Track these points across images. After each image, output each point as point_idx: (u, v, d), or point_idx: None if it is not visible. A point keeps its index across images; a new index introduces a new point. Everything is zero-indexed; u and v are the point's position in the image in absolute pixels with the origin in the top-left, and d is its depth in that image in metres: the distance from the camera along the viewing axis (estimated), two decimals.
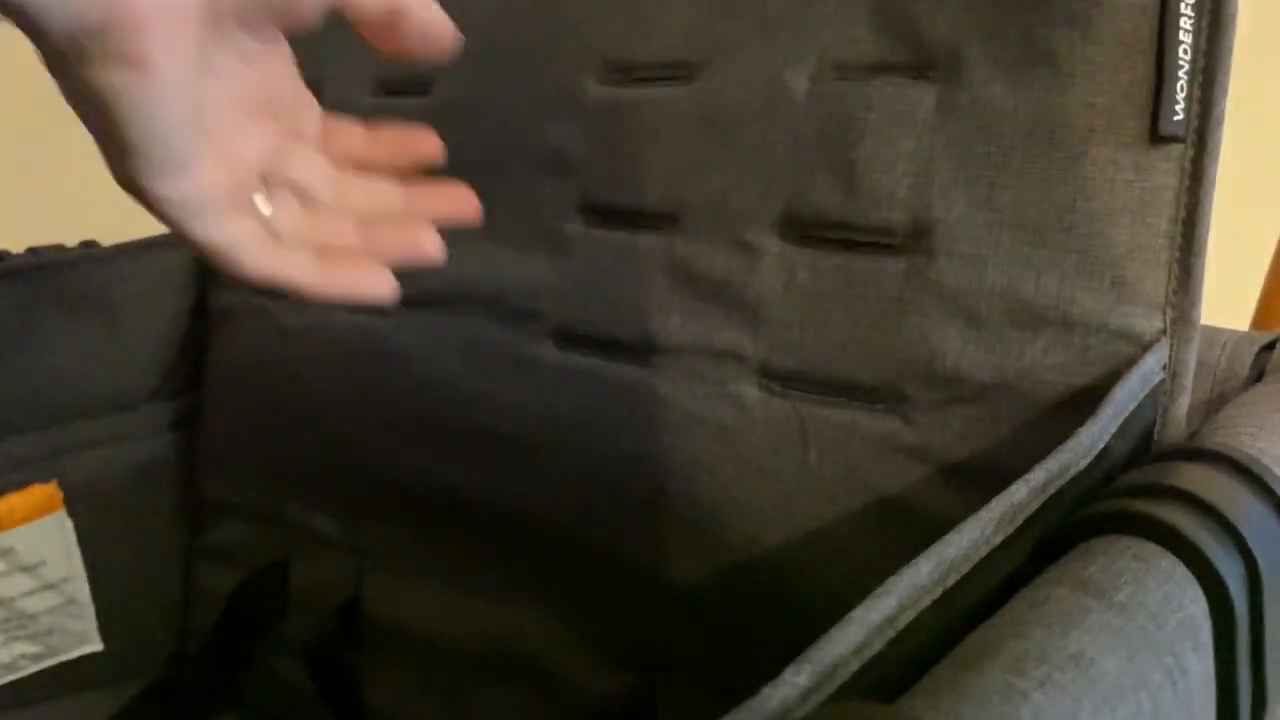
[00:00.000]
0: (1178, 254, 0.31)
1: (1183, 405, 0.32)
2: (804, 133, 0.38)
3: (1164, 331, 0.31)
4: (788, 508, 0.37)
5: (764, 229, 0.39)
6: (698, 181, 0.40)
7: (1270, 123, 0.53)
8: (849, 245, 0.37)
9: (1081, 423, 0.28)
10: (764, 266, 0.39)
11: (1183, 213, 0.31)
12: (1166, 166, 0.31)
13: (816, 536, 0.37)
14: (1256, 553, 0.24)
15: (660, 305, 0.41)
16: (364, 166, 0.33)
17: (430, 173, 0.50)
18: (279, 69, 0.30)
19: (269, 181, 0.30)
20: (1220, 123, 0.30)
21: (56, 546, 0.57)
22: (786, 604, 0.38)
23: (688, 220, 0.41)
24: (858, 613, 0.19)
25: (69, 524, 0.58)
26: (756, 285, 0.39)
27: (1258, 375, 0.35)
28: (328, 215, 0.31)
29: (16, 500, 0.56)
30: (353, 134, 0.33)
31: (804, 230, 0.38)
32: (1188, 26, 0.30)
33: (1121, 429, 0.29)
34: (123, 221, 0.65)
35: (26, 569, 0.56)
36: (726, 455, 0.39)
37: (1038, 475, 0.24)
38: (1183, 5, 0.30)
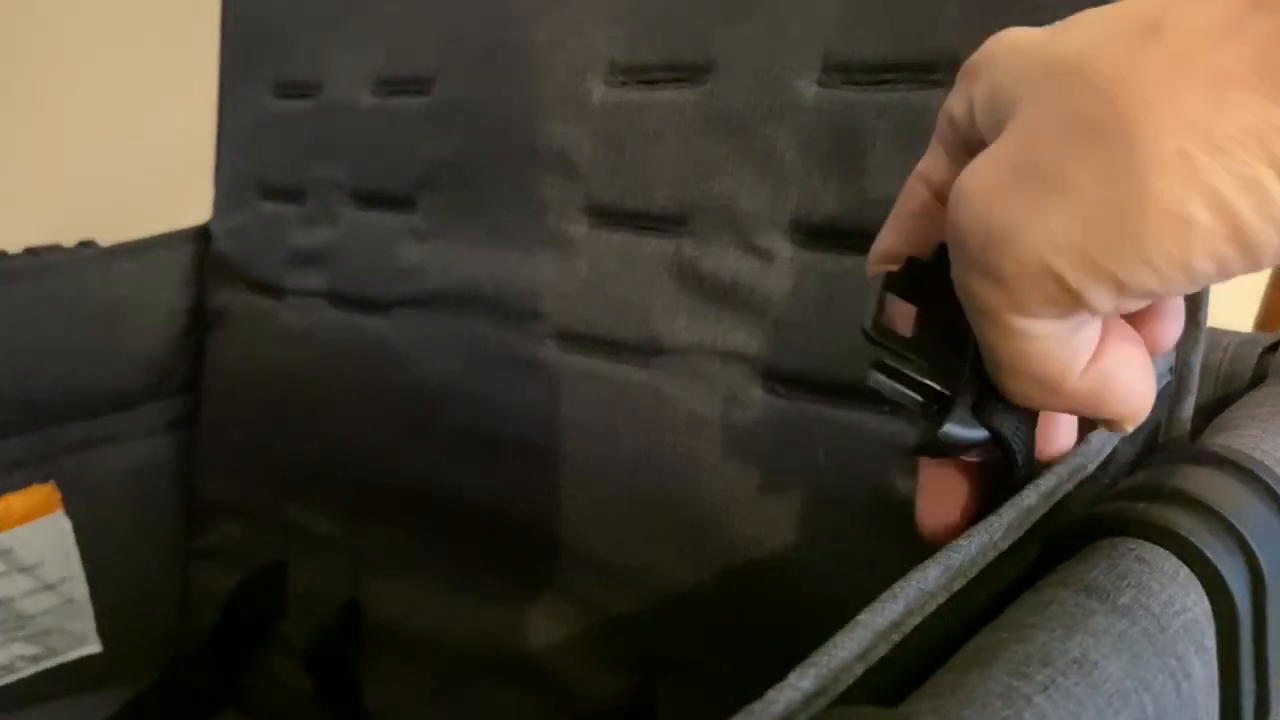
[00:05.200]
0: None
1: (1188, 408, 0.31)
2: (815, 139, 0.38)
3: None
4: (792, 509, 0.37)
5: (775, 233, 0.39)
6: (706, 184, 0.40)
7: None
8: (861, 249, 0.37)
9: (1090, 425, 0.28)
10: (774, 269, 0.39)
11: None
12: None
13: (821, 538, 0.37)
14: (1259, 555, 0.24)
15: (665, 306, 0.41)
16: None
17: (430, 174, 0.50)
18: None
19: None
20: None
21: (55, 547, 0.57)
22: (790, 606, 0.38)
23: (695, 222, 0.41)
24: (864, 617, 0.19)
25: (67, 524, 0.58)
26: (765, 288, 0.39)
27: (1260, 377, 0.35)
28: None
29: (15, 500, 0.56)
30: None
31: (815, 235, 0.38)
32: None
33: (1129, 432, 0.29)
34: (122, 221, 0.65)
35: (25, 569, 0.56)
36: (730, 456, 0.39)
37: (1048, 480, 0.24)
38: None
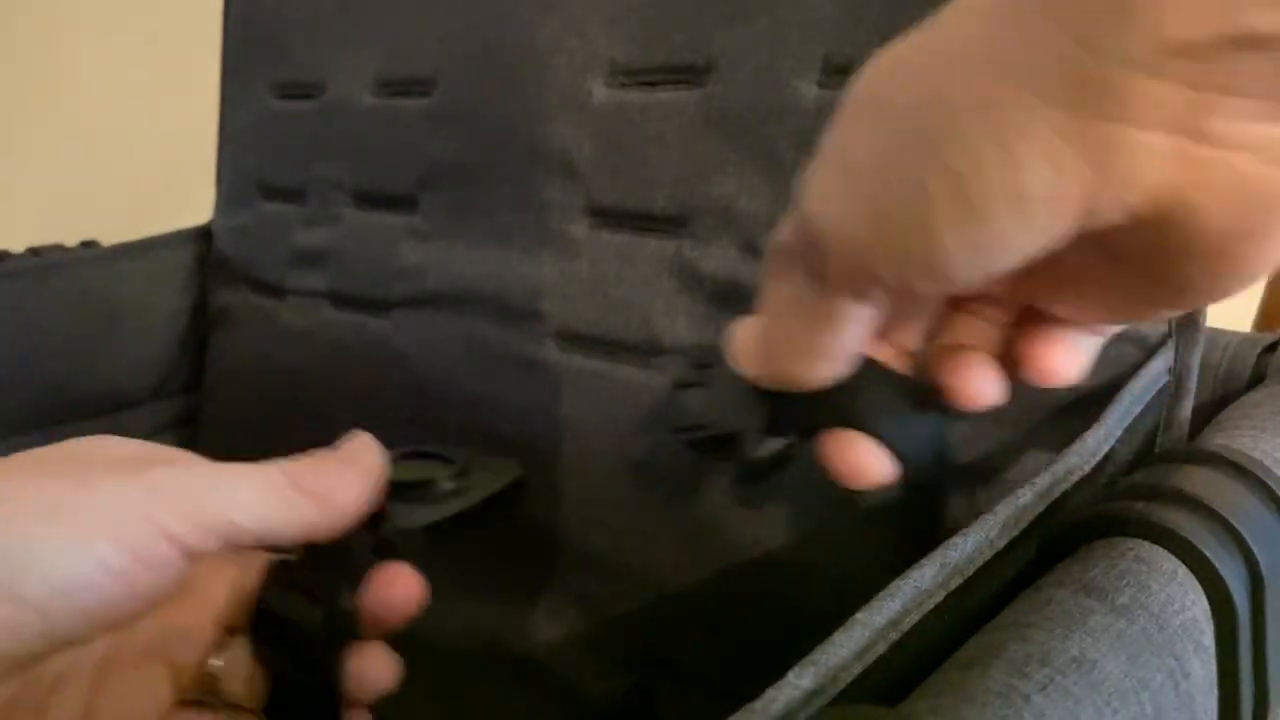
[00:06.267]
0: None
1: (1186, 408, 0.32)
2: (815, 141, 0.38)
3: (1169, 335, 0.31)
4: (792, 510, 0.37)
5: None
6: (706, 185, 0.40)
7: None
8: None
9: (1086, 425, 0.28)
10: None
11: None
12: None
13: (820, 538, 0.37)
14: (1258, 554, 0.24)
15: (666, 307, 0.41)
16: None
17: (431, 175, 0.50)
18: None
19: None
20: None
21: None
22: (789, 606, 0.38)
23: (696, 223, 0.41)
24: (862, 615, 0.19)
25: None
26: None
27: (1259, 377, 0.35)
28: None
29: None
30: None
31: None
32: None
33: (1126, 432, 0.29)
34: (123, 221, 0.65)
35: None
36: None
37: (1043, 479, 0.24)
38: None
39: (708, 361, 0.29)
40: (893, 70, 0.20)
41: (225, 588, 0.29)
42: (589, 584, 0.44)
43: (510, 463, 0.32)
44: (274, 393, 0.58)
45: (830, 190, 0.21)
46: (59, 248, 0.61)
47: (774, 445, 0.25)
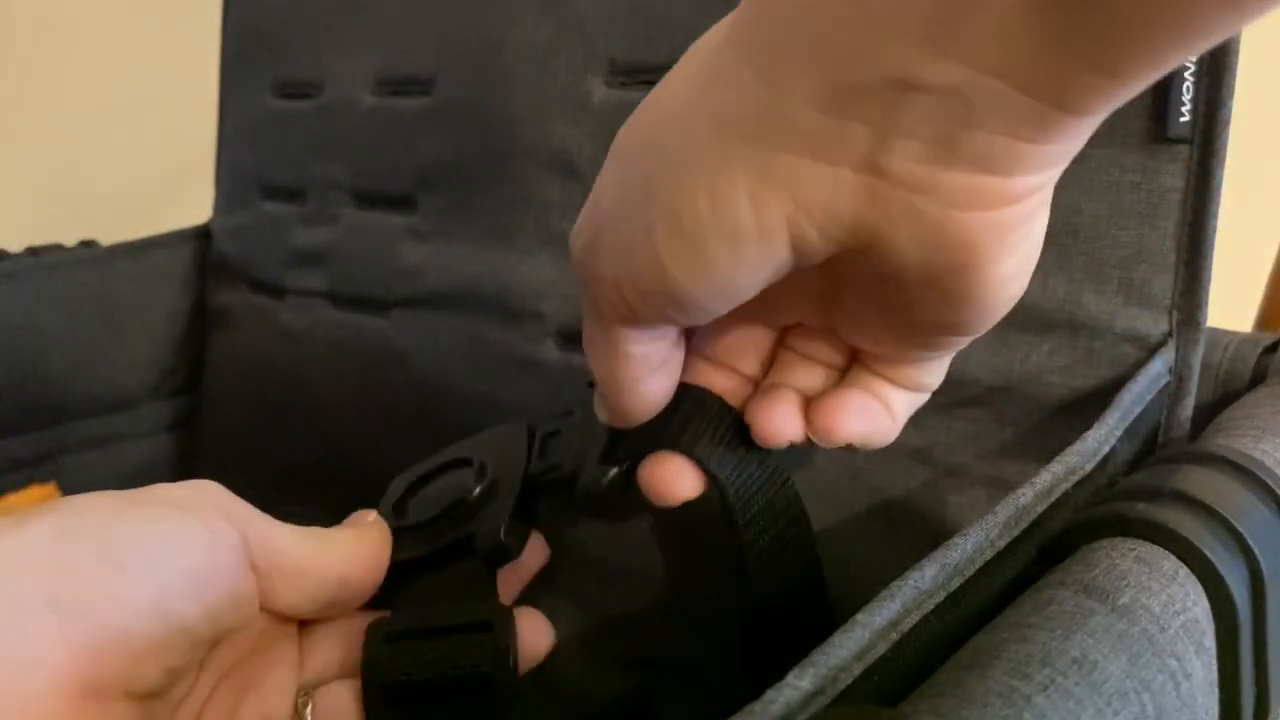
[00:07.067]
0: (1184, 256, 0.31)
1: (1187, 408, 0.31)
2: None
3: (1170, 334, 0.31)
4: None
5: None
6: None
7: (1273, 123, 0.53)
8: None
9: (1086, 425, 0.28)
10: None
11: (1189, 215, 0.30)
12: (1173, 169, 0.31)
13: (819, 539, 0.37)
14: (1259, 554, 0.24)
15: None
16: None
17: (430, 174, 0.50)
18: None
19: None
20: (1226, 124, 0.30)
21: None
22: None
23: None
24: (861, 616, 0.19)
25: None
26: None
27: (1260, 377, 0.35)
28: None
29: (16, 500, 0.56)
30: None
31: None
32: None
33: (1127, 432, 0.29)
34: (122, 221, 0.65)
35: None
36: None
37: (1043, 479, 0.24)
38: None
39: (569, 409, 0.31)
40: (631, 122, 0.22)
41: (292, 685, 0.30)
42: (589, 584, 0.44)
43: (508, 427, 0.34)
44: (273, 393, 0.58)
45: (587, 230, 0.22)
46: (58, 248, 0.61)
47: (609, 474, 0.28)
